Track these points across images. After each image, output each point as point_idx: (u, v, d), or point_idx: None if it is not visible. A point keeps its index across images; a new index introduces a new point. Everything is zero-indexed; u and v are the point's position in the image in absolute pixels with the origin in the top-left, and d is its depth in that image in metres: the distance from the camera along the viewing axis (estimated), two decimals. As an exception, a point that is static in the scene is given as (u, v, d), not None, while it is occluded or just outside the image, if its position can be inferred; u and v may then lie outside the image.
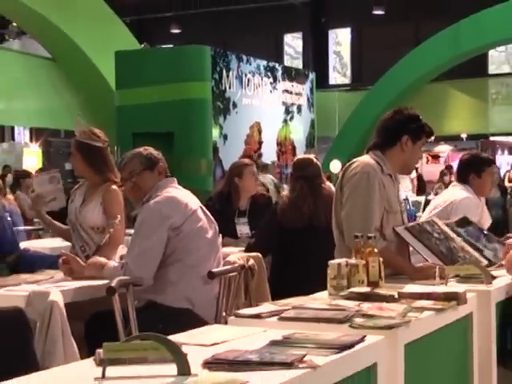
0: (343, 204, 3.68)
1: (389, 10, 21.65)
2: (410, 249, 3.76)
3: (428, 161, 21.31)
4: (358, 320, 2.60)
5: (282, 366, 2.03)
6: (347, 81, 26.09)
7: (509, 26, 16.70)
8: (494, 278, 3.46)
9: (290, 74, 16.46)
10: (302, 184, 5.24)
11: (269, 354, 2.11)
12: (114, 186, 4.42)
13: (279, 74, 15.89)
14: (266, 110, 15.22)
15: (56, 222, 4.76)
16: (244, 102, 14.44)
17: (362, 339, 2.34)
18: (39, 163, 20.16)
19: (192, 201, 4.04)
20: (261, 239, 5.24)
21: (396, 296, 2.96)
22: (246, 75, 14.56)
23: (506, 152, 21.31)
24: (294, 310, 2.75)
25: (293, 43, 27.03)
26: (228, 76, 13.99)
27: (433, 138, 3.92)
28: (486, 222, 5.04)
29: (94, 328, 3.80)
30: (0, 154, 20.43)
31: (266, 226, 5.34)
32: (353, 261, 3.18)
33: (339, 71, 26.66)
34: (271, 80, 15.52)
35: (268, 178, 11.02)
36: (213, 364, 2.06)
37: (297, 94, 16.49)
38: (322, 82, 21.61)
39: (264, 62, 15.40)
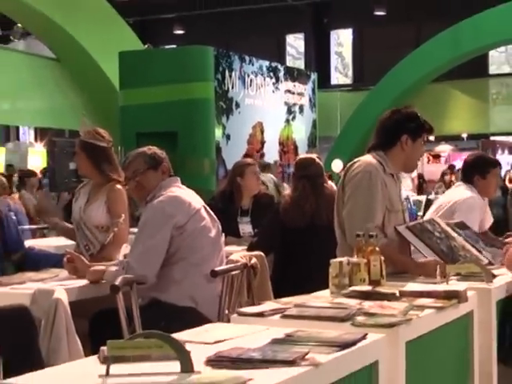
0: (345, 203, 3.69)
1: (390, 10, 21.65)
2: (412, 247, 3.78)
3: (429, 160, 21.29)
4: (360, 318, 2.61)
5: (284, 363, 2.04)
6: (349, 81, 26.06)
7: (509, 27, 16.67)
8: (494, 276, 3.47)
9: (292, 75, 16.47)
10: (304, 183, 5.25)
11: (271, 352, 2.12)
12: (119, 186, 4.44)
13: (281, 74, 15.90)
14: (269, 110, 15.23)
15: (60, 221, 4.81)
16: (246, 102, 14.45)
17: (363, 337, 2.35)
18: (44, 163, 20.14)
19: (195, 200, 4.05)
20: (263, 238, 5.25)
21: (397, 294, 2.97)
22: (248, 75, 14.58)
23: (506, 152, 21.27)
24: (296, 308, 2.76)
25: (295, 44, 27.00)
26: (231, 76, 14.00)
27: (433, 135, 3.92)
28: (488, 222, 5.05)
29: (98, 326, 3.81)
30: (5, 153, 20.45)
31: (268, 224, 5.35)
32: (354, 259, 3.19)
33: (341, 71, 26.64)
34: (273, 80, 15.53)
35: (268, 177, 11.02)
36: (216, 362, 2.07)
37: (299, 94, 16.50)
38: (323, 82, 21.62)
39: (266, 63, 15.41)
